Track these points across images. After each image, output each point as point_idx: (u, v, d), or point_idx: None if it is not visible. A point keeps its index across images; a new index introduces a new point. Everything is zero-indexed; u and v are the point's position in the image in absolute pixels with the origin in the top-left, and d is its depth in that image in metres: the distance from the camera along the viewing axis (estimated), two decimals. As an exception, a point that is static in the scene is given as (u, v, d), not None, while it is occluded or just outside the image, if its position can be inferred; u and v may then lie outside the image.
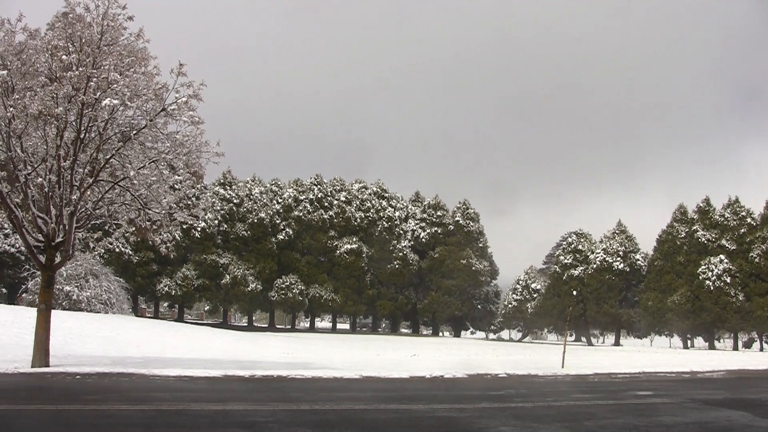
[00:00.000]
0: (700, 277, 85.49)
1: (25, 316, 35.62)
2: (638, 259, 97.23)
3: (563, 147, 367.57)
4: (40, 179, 21.56)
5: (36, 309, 23.11)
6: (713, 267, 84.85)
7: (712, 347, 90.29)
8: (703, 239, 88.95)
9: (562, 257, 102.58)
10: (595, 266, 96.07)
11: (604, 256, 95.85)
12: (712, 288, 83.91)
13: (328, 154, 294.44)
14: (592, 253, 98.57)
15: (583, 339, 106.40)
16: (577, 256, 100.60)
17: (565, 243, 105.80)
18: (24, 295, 61.40)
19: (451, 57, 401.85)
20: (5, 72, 19.77)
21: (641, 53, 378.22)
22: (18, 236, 26.52)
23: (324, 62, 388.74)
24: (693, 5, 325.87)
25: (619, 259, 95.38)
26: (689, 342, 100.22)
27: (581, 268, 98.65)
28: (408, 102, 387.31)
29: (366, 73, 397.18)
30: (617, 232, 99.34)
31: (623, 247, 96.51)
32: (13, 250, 78.92)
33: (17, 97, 19.94)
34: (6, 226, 73.58)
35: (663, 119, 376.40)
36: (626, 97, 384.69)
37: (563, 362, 32.85)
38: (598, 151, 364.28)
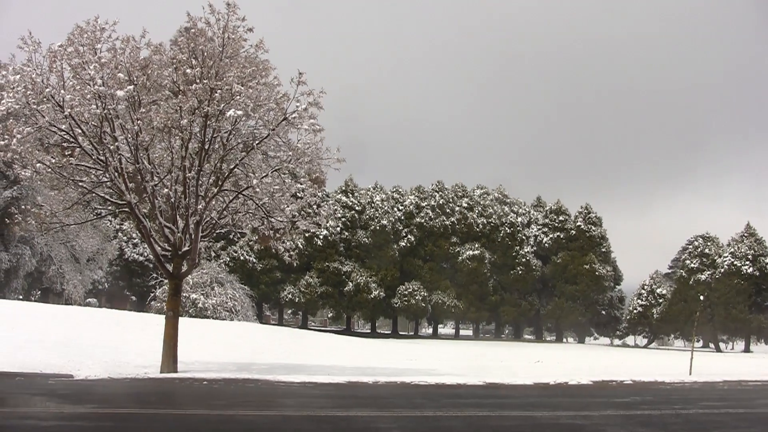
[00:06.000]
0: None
1: (154, 323, 36.55)
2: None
3: (637, 147, 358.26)
4: (166, 190, 22.09)
5: (164, 316, 23.67)
6: None
7: None
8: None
9: (688, 261, 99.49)
10: (723, 270, 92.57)
11: (732, 260, 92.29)
12: None
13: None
14: (720, 257, 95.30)
15: (711, 345, 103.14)
16: (704, 260, 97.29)
17: (691, 247, 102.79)
18: (152, 302, 63.02)
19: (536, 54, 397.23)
20: (132, 87, 20.33)
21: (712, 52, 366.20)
22: (146, 245, 27.20)
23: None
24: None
25: (748, 263, 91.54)
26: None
27: (708, 272, 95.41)
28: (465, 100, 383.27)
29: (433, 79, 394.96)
30: (746, 235, 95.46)
31: (752, 251, 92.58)
32: (141, 258, 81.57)
33: (143, 110, 20.48)
34: (135, 235, 76.51)
35: (735, 120, 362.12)
36: (696, 97, 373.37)
37: (691, 369, 31.99)
38: (665, 151, 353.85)
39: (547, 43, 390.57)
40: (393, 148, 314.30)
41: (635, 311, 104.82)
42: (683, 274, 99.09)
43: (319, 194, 27.09)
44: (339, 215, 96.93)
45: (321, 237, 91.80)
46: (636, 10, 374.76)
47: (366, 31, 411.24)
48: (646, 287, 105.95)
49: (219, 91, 20.46)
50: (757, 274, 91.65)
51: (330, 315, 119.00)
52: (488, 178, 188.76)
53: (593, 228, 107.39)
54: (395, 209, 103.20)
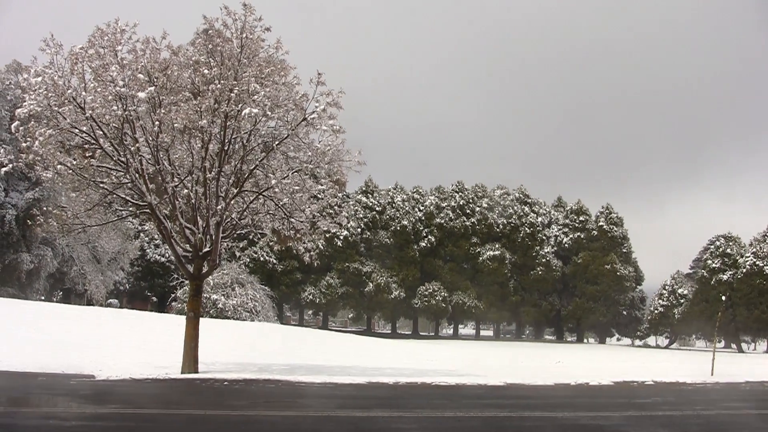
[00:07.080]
0: None
1: (175, 324, 36.62)
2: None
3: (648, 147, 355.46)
4: (186, 191, 22.14)
5: (185, 317, 23.73)
6: None
7: None
8: None
9: (710, 261, 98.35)
10: (744, 270, 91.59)
11: (754, 259, 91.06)
12: None
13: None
14: (742, 257, 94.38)
15: (733, 345, 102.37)
16: (726, 260, 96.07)
17: (712, 247, 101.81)
18: (173, 303, 63.29)
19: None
20: (152, 88, 20.39)
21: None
22: (167, 246, 27.25)
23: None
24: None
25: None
26: None
27: (730, 272, 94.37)
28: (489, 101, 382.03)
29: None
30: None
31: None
32: (163, 259, 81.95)
33: (163, 111, 20.52)
34: (156, 237, 76.77)
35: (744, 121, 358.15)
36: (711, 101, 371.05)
37: (713, 369, 31.82)
38: (673, 152, 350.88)
39: (563, 43, 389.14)
40: (413, 149, 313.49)
41: (656, 311, 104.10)
42: (705, 274, 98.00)
43: (340, 195, 27.07)
44: (360, 216, 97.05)
45: (341, 237, 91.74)
46: (644, 9, 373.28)
47: (379, 31, 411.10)
48: (667, 287, 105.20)
49: (236, 90, 20.48)
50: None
51: (350, 316, 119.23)
52: (507, 179, 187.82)
53: (615, 228, 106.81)
54: (416, 210, 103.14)
